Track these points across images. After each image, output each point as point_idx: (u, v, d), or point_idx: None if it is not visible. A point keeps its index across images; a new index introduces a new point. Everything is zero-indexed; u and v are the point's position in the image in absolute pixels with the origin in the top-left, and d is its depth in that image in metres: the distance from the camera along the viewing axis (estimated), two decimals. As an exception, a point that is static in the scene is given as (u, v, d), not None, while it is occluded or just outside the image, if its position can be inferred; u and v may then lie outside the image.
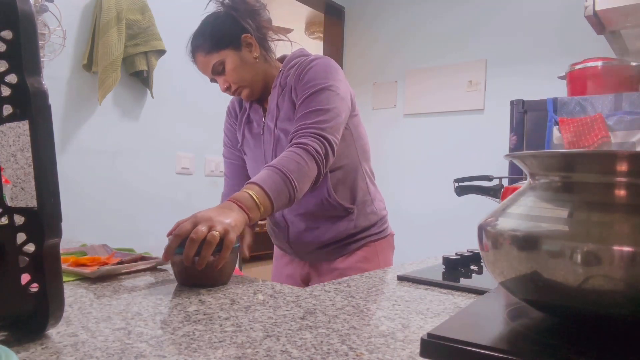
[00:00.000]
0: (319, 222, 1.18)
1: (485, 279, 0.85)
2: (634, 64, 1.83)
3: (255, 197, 0.88)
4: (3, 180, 1.44)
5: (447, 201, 2.98)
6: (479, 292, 0.76)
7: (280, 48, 1.25)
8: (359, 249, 1.21)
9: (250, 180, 0.93)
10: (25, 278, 0.49)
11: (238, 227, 0.81)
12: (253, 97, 1.19)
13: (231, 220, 0.80)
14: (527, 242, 0.39)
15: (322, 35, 3.98)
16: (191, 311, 0.62)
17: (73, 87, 2.05)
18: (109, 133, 2.18)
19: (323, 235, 1.18)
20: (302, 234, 1.20)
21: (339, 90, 1.09)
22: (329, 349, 0.49)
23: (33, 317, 0.49)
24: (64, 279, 0.66)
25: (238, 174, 1.30)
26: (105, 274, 0.80)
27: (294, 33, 4.92)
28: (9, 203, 0.50)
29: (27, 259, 0.48)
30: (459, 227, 2.94)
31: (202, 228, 0.75)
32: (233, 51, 1.12)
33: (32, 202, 1.81)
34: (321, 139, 1.02)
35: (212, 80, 1.18)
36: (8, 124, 1.77)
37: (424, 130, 3.25)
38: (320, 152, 1.00)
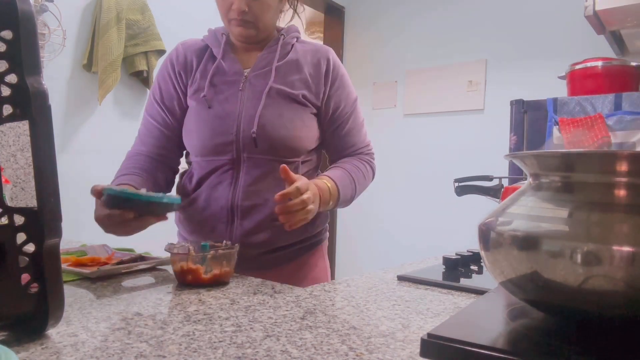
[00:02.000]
0: (277, 220, 0.95)
1: (485, 279, 0.85)
2: (634, 64, 1.83)
3: (330, 193, 0.95)
4: (3, 180, 1.44)
5: (447, 201, 2.98)
6: (479, 292, 0.76)
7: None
8: (311, 253, 1.08)
9: (335, 179, 0.97)
10: (25, 278, 0.49)
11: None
12: (250, 40, 1.05)
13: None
14: (527, 242, 0.39)
15: (322, 35, 3.98)
16: (191, 311, 0.62)
17: (73, 87, 2.05)
18: (109, 133, 2.18)
19: (277, 237, 1.00)
20: (252, 234, 0.99)
21: None
22: (329, 349, 0.49)
23: (33, 317, 0.49)
24: (64, 279, 0.66)
25: (153, 139, 1.06)
26: (105, 274, 0.80)
27: (294, 33, 4.91)
28: (9, 203, 0.50)
29: (27, 259, 0.48)
30: (458, 227, 2.94)
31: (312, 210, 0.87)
32: None
33: (32, 202, 1.81)
34: (373, 158, 1.15)
35: None
36: (8, 124, 1.77)
37: (424, 130, 3.25)
38: (375, 170, 1.14)
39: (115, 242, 1.20)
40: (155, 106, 1.08)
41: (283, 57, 1.04)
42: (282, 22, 1.16)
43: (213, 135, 0.99)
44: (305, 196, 0.84)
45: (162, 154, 1.06)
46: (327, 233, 1.18)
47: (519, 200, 0.44)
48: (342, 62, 3.81)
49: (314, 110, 1.04)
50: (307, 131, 1.02)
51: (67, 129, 2.03)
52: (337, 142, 1.09)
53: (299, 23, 1.18)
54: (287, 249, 1.03)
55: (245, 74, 1.03)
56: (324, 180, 0.95)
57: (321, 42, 4.18)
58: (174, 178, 1.12)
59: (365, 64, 3.54)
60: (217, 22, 1.11)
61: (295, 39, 1.10)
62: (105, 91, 2.02)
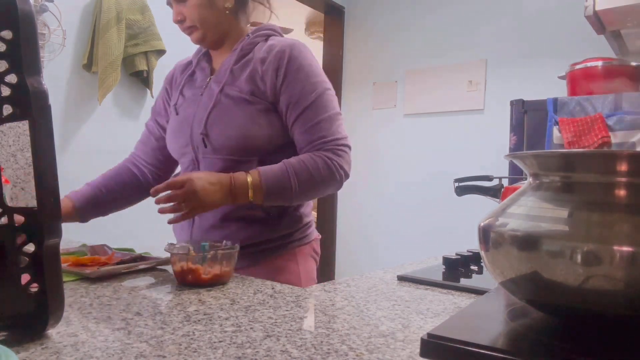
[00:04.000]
0: (231, 221, 1.02)
1: (485, 279, 0.85)
2: (634, 64, 1.83)
3: (250, 184, 0.92)
4: (3, 180, 1.44)
5: (447, 201, 2.98)
6: (479, 292, 0.76)
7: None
8: (277, 257, 1.05)
9: (262, 173, 0.94)
10: (25, 278, 0.49)
11: (212, 209, 0.92)
12: (203, 43, 1.08)
13: (212, 204, 0.90)
14: (527, 242, 0.39)
15: (322, 35, 3.98)
16: (191, 311, 0.62)
17: (73, 87, 2.05)
18: (109, 133, 2.18)
19: (234, 236, 1.01)
20: (208, 232, 1.03)
21: (331, 86, 1.06)
22: (329, 349, 0.49)
23: (33, 317, 0.49)
24: (64, 279, 0.66)
25: (147, 148, 1.19)
26: (105, 274, 0.80)
27: (294, 33, 4.92)
28: (9, 203, 0.50)
29: (27, 259, 0.48)
30: (458, 227, 2.94)
31: (183, 207, 0.87)
32: None
33: (32, 202, 1.81)
34: (345, 148, 1.01)
35: (168, 3, 1.06)
36: (8, 124, 1.77)
37: (424, 130, 3.25)
38: (344, 165, 1.00)
39: (115, 242, 1.20)
40: (152, 119, 1.21)
41: (241, 58, 1.06)
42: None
43: (174, 138, 1.10)
44: (173, 193, 0.87)
45: (153, 163, 1.20)
46: (306, 236, 1.10)
47: (519, 200, 0.44)
48: (342, 62, 3.82)
49: (268, 107, 1.01)
50: (258, 130, 1.00)
51: (67, 129, 2.03)
52: (299, 137, 1.02)
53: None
54: (248, 249, 1.01)
55: (209, 79, 1.08)
56: (247, 175, 0.93)
57: (320, 42, 4.18)
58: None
59: (365, 64, 3.54)
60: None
61: (266, 38, 1.08)
62: (105, 91, 2.02)
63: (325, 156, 0.98)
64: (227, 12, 1.06)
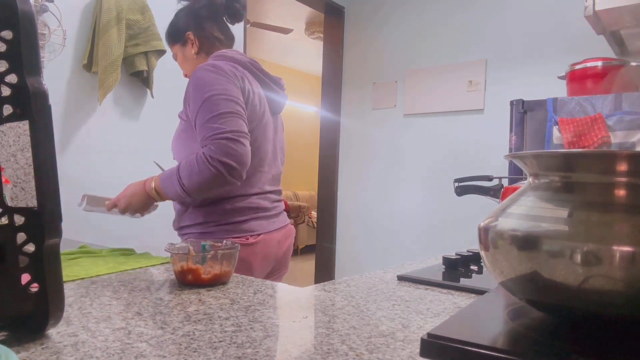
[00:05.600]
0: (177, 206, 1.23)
1: (485, 279, 0.85)
2: (634, 64, 1.83)
3: (153, 188, 1.10)
4: (3, 180, 1.44)
5: (447, 201, 2.98)
6: (479, 292, 0.76)
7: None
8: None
9: (160, 177, 1.11)
10: (25, 278, 0.49)
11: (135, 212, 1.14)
12: None
13: (137, 208, 1.13)
14: (527, 242, 0.39)
15: (322, 35, 3.98)
16: (191, 311, 0.62)
17: (73, 87, 2.05)
18: (109, 133, 2.18)
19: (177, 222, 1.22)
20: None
21: (228, 92, 1.08)
22: (329, 349, 0.49)
23: (33, 317, 0.49)
24: (64, 279, 0.66)
25: None
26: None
27: (294, 33, 4.92)
28: (9, 203, 0.50)
29: (27, 259, 0.48)
30: (458, 227, 2.94)
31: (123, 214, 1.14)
32: (180, 47, 1.28)
33: (32, 202, 1.81)
34: (222, 140, 1.02)
35: None
36: (8, 124, 1.77)
37: (424, 130, 3.25)
38: (220, 156, 1.00)
39: (116, 242, 1.20)
40: None
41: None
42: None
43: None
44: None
45: None
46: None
47: (518, 200, 0.44)
48: (342, 62, 3.83)
49: (190, 124, 1.13)
50: (181, 144, 1.17)
51: (67, 129, 2.03)
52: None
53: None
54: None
55: None
56: (153, 181, 1.11)
57: (320, 42, 4.17)
58: None
59: (365, 64, 3.54)
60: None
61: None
62: (105, 91, 2.02)
63: (201, 152, 1.03)
64: (195, 57, 1.26)
